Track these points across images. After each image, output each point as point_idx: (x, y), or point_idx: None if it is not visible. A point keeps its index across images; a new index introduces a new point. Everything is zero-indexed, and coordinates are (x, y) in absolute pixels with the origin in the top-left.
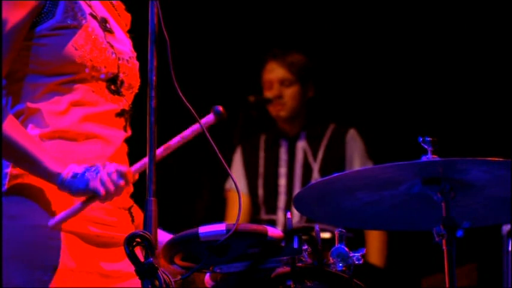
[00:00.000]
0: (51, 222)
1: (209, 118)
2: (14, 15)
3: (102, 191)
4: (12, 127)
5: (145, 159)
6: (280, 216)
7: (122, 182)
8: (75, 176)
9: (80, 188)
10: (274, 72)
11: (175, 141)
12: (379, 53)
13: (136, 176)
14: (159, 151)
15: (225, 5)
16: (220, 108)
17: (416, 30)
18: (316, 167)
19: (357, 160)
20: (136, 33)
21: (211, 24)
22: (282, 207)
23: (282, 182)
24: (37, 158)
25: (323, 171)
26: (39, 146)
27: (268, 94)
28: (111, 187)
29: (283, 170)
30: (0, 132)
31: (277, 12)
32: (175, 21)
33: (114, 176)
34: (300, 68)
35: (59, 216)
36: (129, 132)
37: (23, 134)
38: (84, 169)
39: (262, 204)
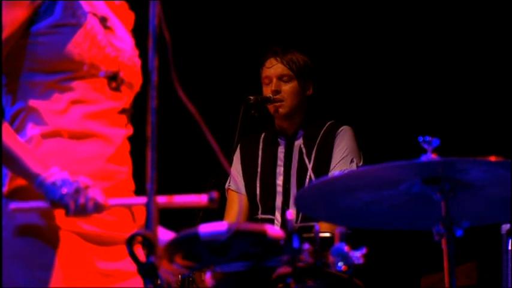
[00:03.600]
0: (13, 205)
1: (203, 199)
2: (11, 14)
3: (71, 209)
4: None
5: (125, 200)
6: (277, 215)
7: (92, 211)
8: (53, 183)
9: (53, 198)
10: (274, 68)
11: (178, 200)
12: (380, 52)
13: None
14: (161, 200)
15: (225, 5)
16: (215, 194)
17: (417, 29)
18: (309, 165)
19: (334, 160)
20: (138, 33)
21: (212, 24)
22: (278, 207)
23: (279, 181)
24: (19, 156)
25: (316, 170)
26: (24, 147)
27: (267, 89)
28: (81, 211)
29: (280, 169)
30: (0, 131)
31: (277, 12)
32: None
33: (90, 204)
34: (299, 65)
35: (25, 204)
36: (131, 130)
37: (9, 134)
38: (64, 181)
39: (259, 204)
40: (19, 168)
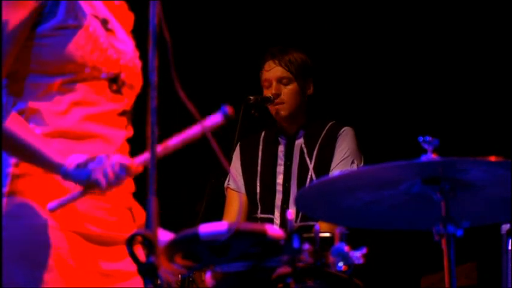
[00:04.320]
0: (50, 205)
1: (216, 118)
2: (15, 16)
3: (103, 182)
4: (15, 123)
5: (148, 153)
6: (276, 214)
7: (123, 174)
8: (78, 166)
9: (83, 178)
10: (273, 71)
11: (175, 141)
12: (380, 52)
13: (140, 169)
14: (158, 149)
15: (225, 5)
16: (228, 108)
17: (417, 29)
18: (311, 165)
19: (335, 161)
20: (138, 33)
21: (212, 24)
22: (278, 206)
23: (279, 180)
24: (40, 150)
25: (317, 170)
26: (41, 139)
27: (267, 93)
28: (113, 178)
29: (280, 169)
30: (0, 131)
31: (277, 12)
32: (176, 21)
33: (117, 168)
34: (298, 66)
35: (58, 201)
36: (131, 132)
37: (26, 129)
38: (87, 159)
39: (259, 203)
40: (41, 161)
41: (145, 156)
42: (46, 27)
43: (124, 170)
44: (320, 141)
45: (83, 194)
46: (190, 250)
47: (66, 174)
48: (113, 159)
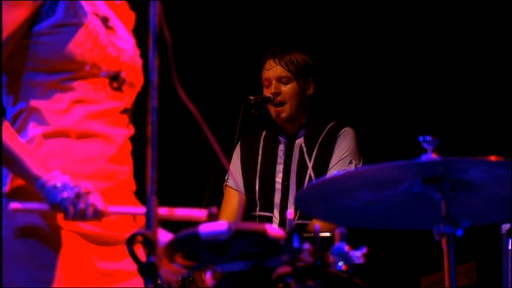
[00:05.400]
0: (13, 205)
1: (202, 214)
2: (15, 16)
3: (70, 213)
4: (2, 129)
5: (127, 208)
6: (275, 212)
7: (91, 217)
8: (54, 187)
9: (53, 201)
10: (273, 70)
11: (179, 213)
12: (380, 52)
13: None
14: (162, 212)
15: (225, 5)
16: (215, 209)
17: (417, 29)
18: (310, 164)
19: (333, 160)
20: (139, 32)
21: (212, 24)
22: (277, 204)
23: (278, 178)
24: (21, 159)
25: (316, 169)
26: (26, 149)
27: (267, 92)
28: (80, 217)
29: (280, 167)
30: (0, 131)
31: (278, 12)
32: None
33: (90, 210)
34: (298, 66)
35: (25, 205)
36: (132, 130)
37: (12, 136)
38: (65, 185)
39: (258, 201)
40: (20, 170)
41: (122, 209)
42: (44, 26)
43: (95, 214)
44: (320, 141)
45: (48, 211)
46: (190, 250)
47: (41, 188)
48: (90, 199)
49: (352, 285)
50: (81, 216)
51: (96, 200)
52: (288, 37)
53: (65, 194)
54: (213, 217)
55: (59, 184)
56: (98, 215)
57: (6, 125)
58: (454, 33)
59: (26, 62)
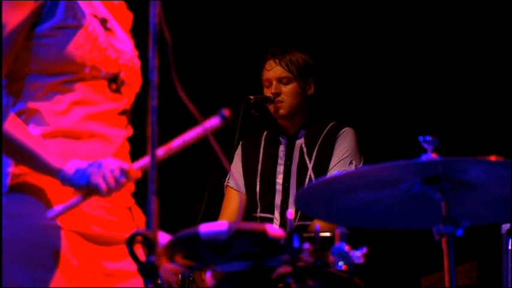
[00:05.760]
0: (50, 213)
1: (214, 121)
2: (15, 16)
3: (103, 186)
4: (14, 125)
5: (147, 158)
6: (276, 214)
7: (123, 179)
8: (77, 171)
9: (82, 183)
10: (273, 70)
11: (177, 143)
12: (381, 52)
13: (139, 174)
14: (160, 152)
15: (225, 5)
16: (226, 111)
17: (417, 29)
18: (310, 165)
19: (333, 161)
20: (138, 32)
21: (212, 24)
22: (278, 205)
23: (279, 179)
24: (38, 154)
25: (316, 170)
26: (40, 143)
27: (267, 92)
28: (113, 183)
29: (280, 168)
30: (0, 131)
31: (278, 11)
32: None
33: (117, 173)
34: (298, 66)
35: (58, 208)
36: (131, 131)
37: (25, 132)
38: (87, 165)
39: (259, 202)
40: (39, 165)
41: (144, 160)
42: (45, 27)
43: (124, 174)
44: (320, 141)
45: (82, 199)
46: (190, 250)
47: (64, 179)
48: (112, 164)
49: (352, 285)
50: (114, 182)
51: (117, 163)
52: (288, 37)
53: (88, 172)
54: (226, 119)
55: (79, 168)
56: (126, 174)
57: (18, 121)
58: (454, 33)
59: (27, 63)
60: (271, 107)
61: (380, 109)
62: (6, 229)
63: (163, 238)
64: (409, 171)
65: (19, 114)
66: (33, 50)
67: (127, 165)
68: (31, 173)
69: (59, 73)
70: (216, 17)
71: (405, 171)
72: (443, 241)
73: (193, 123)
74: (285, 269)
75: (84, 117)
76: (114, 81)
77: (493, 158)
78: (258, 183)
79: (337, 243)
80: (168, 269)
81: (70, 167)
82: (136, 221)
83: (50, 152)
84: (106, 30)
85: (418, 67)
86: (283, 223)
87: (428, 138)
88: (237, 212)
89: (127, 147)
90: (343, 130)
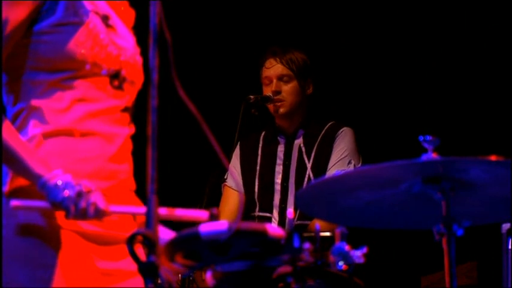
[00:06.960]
0: (14, 202)
1: (203, 215)
2: (15, 15)
3: (71, 213)
4: (3, 127)
5: (129, 208)
6: (274, 213)
7: (93, 217)
8: (55, 185)
9: (55, 200)
10: (273, 68)
11: (179, 213)
12: (380, 52)
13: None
14: (162, 212)
15: (225, 4)
16: (216, 210)
17: (417, 29)
18: (309, 165)
19: (332, 160)
20: (139, 31)
21: (212, 23)
22: (276, 205)
23: (278, 179)
24: (22, 157)
25: (315, 170)
26: (27, 147)
27: (267, 90)
28: (81, 216)
29: (279, 168)
30: (0, 131)
31: (278, 11)
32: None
33: (91, 209)
34: (298, 65)
35: (26, 202)
36: (133, 129)
37: (13, 135)
38: (67, 184)
39: (257, 201)
40: (21, 168)
41: (124, 209)
42: (44, 25)
43: (96, 213)
44: (319, 141)
45: (49, 209)
46: (190, 249)
47: (42, 187)
48: (91, 198)
49: (352, 285)
50: (82, 215)
51: (97, 199)
52: (287, 37)
53: (66, 193)
54: (214, 218)
55: (60, 183)
56: (99, 214)
57: (6, 123)
58: (454, 33)
59: (27, 61)
60: (270, 106)
61: (380, 109)
62: (6, 228)
63: (166, 234)
64: (409, 171)
65: (20, 112)
66: (34, 47)
67: (103, 204)
68: (13, 173)
69: (59, 70)
70: (216, 16)
71: (405, 171)
72: (444, 241)
73: (193, 123)
74: (285, 269)
75: (86, 115)
76: (116, 78)
77: (493, 158)
78: (256, 183)
79: (338, 243)
80: (169, 268)
81: (51, 178)
82: (138, 220)
83: (36, 158)
84: (107, 27)
85: (418, 67)
86: (281, 222)
87: (429, 138)
88: (235, 211)
89: (129, 146)
90: (341, 130)
